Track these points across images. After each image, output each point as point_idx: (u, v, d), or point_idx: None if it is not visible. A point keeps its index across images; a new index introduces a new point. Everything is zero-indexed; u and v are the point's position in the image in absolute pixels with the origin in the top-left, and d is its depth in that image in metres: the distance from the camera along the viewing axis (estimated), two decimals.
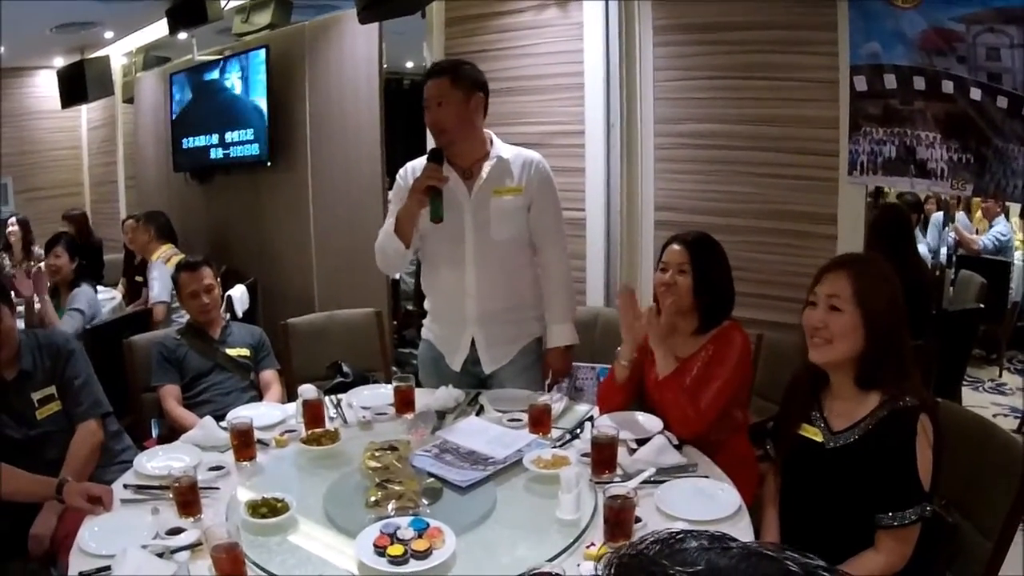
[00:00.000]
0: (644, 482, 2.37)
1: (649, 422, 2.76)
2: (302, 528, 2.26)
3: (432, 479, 2.43)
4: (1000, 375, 6.19)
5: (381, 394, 3.21)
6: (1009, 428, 4.25)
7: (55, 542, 2.73)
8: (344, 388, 3.47)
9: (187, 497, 2.30)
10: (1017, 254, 6.58)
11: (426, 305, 3.48)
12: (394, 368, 4.25)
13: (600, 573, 0.76)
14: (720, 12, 4.21)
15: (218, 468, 2.60)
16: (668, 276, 2.85)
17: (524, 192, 3.21)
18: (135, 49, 8.88)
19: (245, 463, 2.66)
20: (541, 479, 2.44)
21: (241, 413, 2.93)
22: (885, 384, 2.19)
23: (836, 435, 2.25)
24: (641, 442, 2.63)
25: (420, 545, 1.99)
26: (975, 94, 3.40)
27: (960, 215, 6.78)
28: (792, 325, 3.86)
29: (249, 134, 6.67)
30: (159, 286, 5.55)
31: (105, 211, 9.91)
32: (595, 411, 2.99)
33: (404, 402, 3.05)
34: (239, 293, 5.67)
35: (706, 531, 0.77)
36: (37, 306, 4.81)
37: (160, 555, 2.05)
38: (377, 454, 2.52)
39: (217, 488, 2.48)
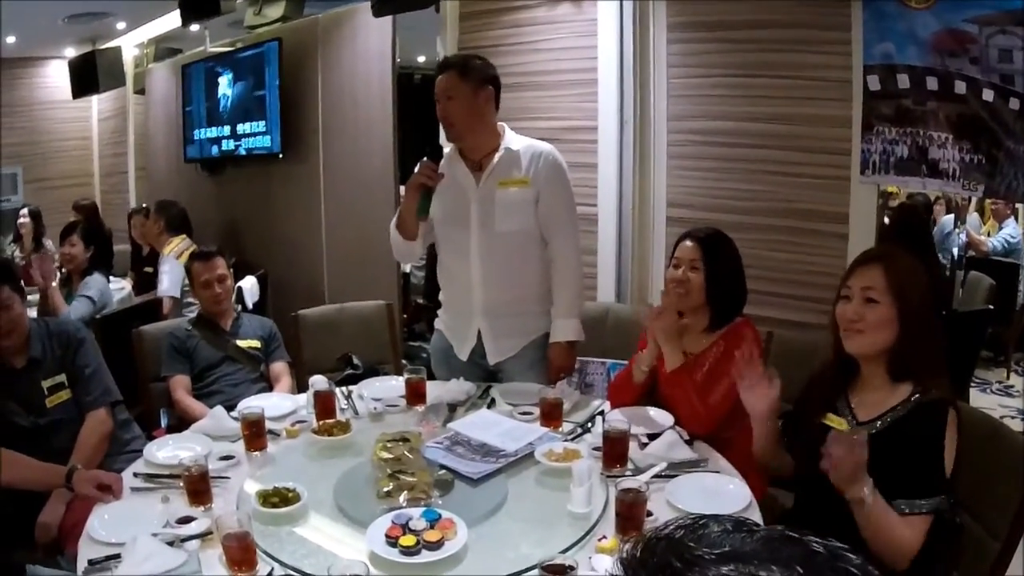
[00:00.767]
0: (655, 476, 2.38)
1: (660, 417, 2.77)
2: (313, 518, 2.27)
3: (444, 471, 2.43)
4: (1008, 377, 6.18)
5: (392, 386, 3.22)
6: (1016, 430, 4.24)
7: (63, 531, 2.74)
8: (354, 380, 3.48)
9: (198, 486, 2.30)
10: None
11: (440, 296, 3.50)
12: (404, 361, 4.26)
13: (624, 556, 0.76)
14: (734, 10, 4.20)
15: (228, 458, 2.60)
16: (680, 272, 2.86)
17: (531, 184, 3.21)
18: (147, 40, 8.87)
19: (256, 453, 2.66)
20: (553, 472, 2.44)
21: (252, 403, 2.93)
22: (918, 375, 2.22)
23: (862, 424, 2.26)
24: (652, 437, 2.64)
25: (432, 536, 1.99)
26: (987, 95, 3.39)
27: (972, 216, 6.78)
28: (802, 323, 3.92)
29: (261, 126, 6.66)
30: (168, 281, 5.51)
31: (115, 202, 9.90)
32: (606, 406, 3.00)
33: (415, 394, 3.06)
34: (250, 285, 5.68)
35: (729, 516, 0.77)
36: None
37: (170, 544, 2.05)
38: (389, 445, 2.52)
39: (227, 478, 2.48)
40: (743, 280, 2.91)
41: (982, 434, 2.39)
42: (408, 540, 1.99)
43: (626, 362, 3.04)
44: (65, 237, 5.27)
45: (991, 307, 5.41)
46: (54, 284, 4.82)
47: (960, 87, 3.46)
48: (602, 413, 2.88)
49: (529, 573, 1.91)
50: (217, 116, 7.21)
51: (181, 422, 3.43)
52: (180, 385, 3.62)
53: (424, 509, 2.13)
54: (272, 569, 1.99)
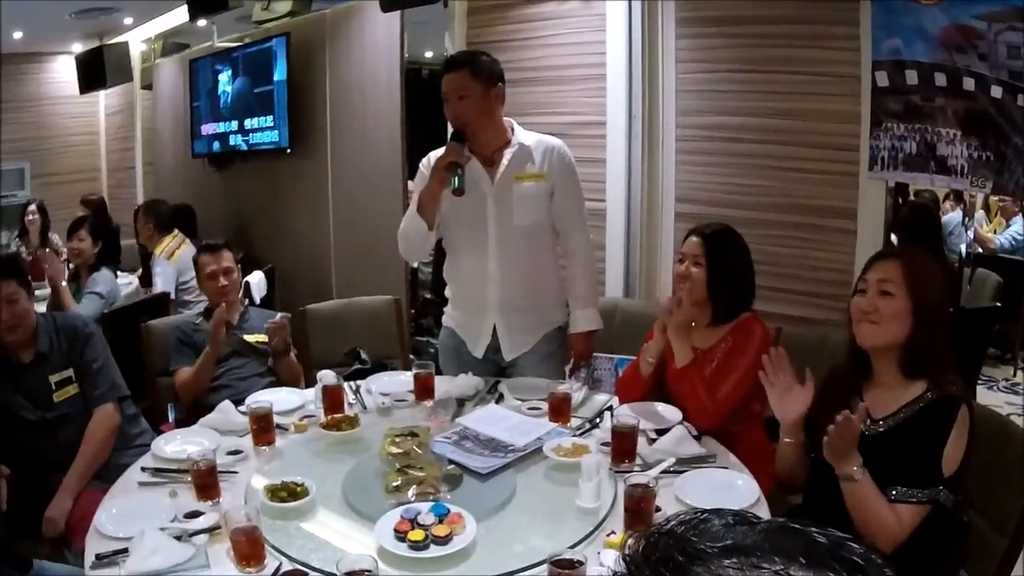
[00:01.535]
0: (664, 472, 2.38)
1: (669, 412, 2.77)
2: (321, 513, 2.27)
3: (452, 466, 2.43)
4: (1014, 374, 6.18)
5: (400, 381, 3.22)
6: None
7: (69, 525, 2.75)
8: (362, 375, 3.48)
9: (206, 480, 2.30)
10: None
11: (447, 293, 3.49)
12: (411, 356, 4.26)
13: (627, 552, 0.76)
14: (743, 6, 4.19)
15: (236, 452, 2.61)
16: (684, 267, 2.87)
17: (547, 178, 3.23)
18: (154, 35, 8.89)
19: (264, 447, 2.67)
20: (561, 467, 2.45)
21: (260, 398, 2.94)
22: (930, 373, 2.21)
23: (875, 422, 2.25)
24: (661, 432, 2.64)
25: (441, 531, 2.00)
26: (996, 92, 3.38)
27: (978, 214, 6.76)
28: (810, 319, 3.91)
29: (269, 121, 6.67)
30: (161, 282, 5.51)
31: (122, 196, 9.90)
32: (614, 401, 3.00)
33: (424, 389, 3.06)
34: (257, 279, 5.68)
35: (731, 511, 0.77)
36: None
37: (178, 538, 2.06)
38: (397, 440, 2.53)
39: (235, 472, 2.49)
40: (750, 276, 2.91)
41: (989, 431, 2.39)
42: (417, 535, 1.99)
43: (634, 357, 3.04)
44: (73, 232, 5.27)
45: (998, 304, 5.39)
46: (63, 283, 4.84)
47: (968, 83, 3.45)
48: (610, 408, 2.88)
49: (537, 568, 1.91)
50: (224, 111, 7.22)
51: (189, 416, 3.42)
52: (185, 376, 3.62)
53: (433, 504, 2.13)
54: (280, 564, 1.99)
